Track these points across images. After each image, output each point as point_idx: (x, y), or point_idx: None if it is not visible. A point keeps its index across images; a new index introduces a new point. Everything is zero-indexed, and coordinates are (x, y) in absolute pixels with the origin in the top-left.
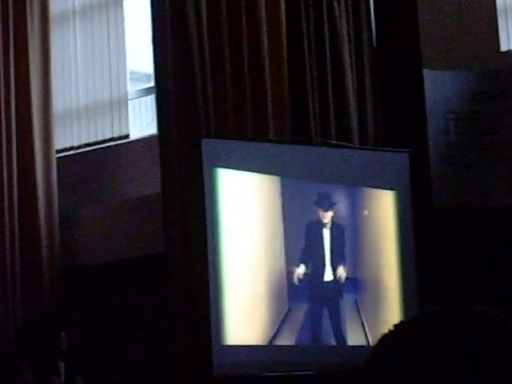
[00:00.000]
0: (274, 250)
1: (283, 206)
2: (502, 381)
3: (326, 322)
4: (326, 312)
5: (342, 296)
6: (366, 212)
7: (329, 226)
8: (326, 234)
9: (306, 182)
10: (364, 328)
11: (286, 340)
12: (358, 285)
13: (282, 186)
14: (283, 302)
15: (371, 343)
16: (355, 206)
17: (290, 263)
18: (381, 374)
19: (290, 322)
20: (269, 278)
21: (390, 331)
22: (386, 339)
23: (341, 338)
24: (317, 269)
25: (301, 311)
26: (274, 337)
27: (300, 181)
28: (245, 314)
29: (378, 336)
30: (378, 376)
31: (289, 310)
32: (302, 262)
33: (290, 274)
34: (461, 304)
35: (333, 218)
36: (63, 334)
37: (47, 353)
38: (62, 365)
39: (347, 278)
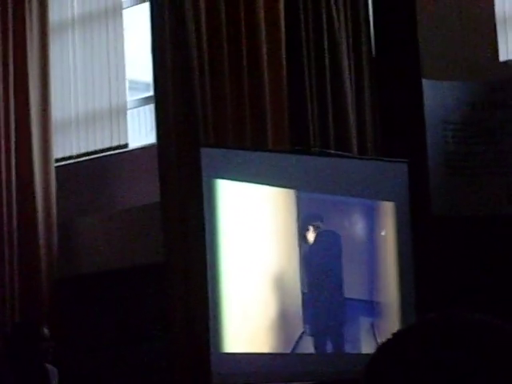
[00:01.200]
0: (285, 265)
1: (297, 220)
2: None
3: (338, 346)
4: (339, 336)
5: (358, 319)
6: (383, 233)
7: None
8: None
9: (314, 194)
10: None
11: (288, 349)
12: (375, 308)
13: (296, 199)
14: (297, 323)
15: None
16: (364, 222)
17: (305, 281)
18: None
19: (303, 345)
20: (278, 293)
21: (388, 339)
22: (384, 348)
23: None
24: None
25: (312, 332)
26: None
27: (306, 193)
28: (247, 323)
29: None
30: None
31: (303, 333)
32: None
33: (304, 294)
34: (460, 311)
35: (319, 234)
36: (51, 343)
37: (33, 360)
38: (54, 369)
39: (363, 301)
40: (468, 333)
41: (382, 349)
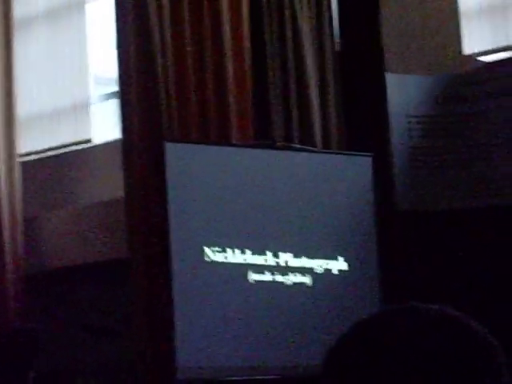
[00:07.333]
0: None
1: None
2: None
3: None
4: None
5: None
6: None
7: None
8: None
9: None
10: None
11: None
12: None
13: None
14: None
15: None
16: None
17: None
18: (335, 376)
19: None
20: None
21: (347, 331)
22: (341, 339)
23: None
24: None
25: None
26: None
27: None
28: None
29: None
30: (332, 378)
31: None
32: None
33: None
34: (420, 303)
35: None
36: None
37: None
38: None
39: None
40: (429, 326)
41: (341, 340)
